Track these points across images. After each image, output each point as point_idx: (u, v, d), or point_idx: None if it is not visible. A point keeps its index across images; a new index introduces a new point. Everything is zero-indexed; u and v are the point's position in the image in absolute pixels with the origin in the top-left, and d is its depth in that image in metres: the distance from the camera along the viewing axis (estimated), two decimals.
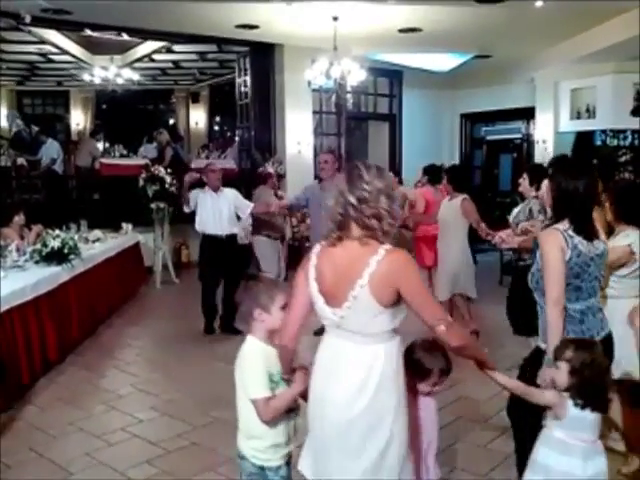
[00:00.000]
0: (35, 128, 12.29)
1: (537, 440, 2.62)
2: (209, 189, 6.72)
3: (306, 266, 2.44)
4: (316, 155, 11.60)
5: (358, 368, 2.33)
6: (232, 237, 6.74)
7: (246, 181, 10.18)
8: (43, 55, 14.07)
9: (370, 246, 2.30)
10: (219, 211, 6.65)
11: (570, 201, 2.90)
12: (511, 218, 5.36)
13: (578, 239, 2.86)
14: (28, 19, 8.64)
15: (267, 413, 2.50)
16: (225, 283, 6.71)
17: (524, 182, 5.29)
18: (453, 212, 6.37)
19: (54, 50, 13.28)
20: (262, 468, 2.59)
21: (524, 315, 4.44)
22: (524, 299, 4.24)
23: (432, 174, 8.23)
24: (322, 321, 2.44)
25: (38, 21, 9.32)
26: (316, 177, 9.80)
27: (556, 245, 2.83)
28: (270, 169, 8.50)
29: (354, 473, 2.35)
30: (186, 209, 6.88)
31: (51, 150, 11.44)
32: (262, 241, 7.62)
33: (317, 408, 2.43)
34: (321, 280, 2.38)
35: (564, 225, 2.89)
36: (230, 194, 6.82)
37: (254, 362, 2.54)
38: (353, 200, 2.35)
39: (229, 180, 7.99)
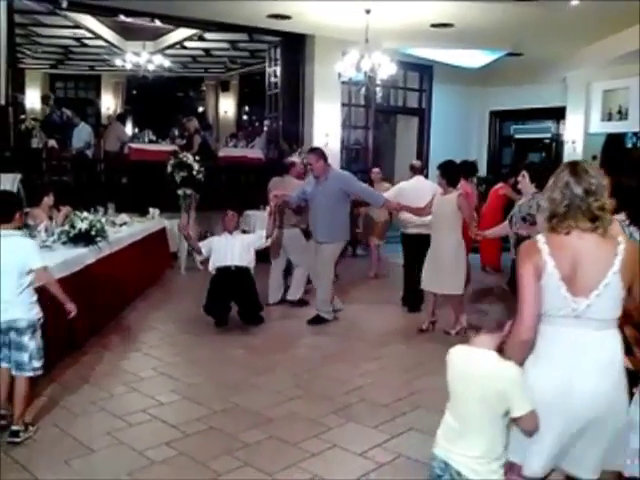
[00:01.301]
0: (67, 111, 12.43)
1: (632, 403, 2.63)
2: (224, 232, 6.92)
3: (534, 257, 2.45)
4: (343, 148, 11.64)
5: (605, 355, 2.41)
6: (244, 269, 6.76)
7: (272, 171, 10.22)
8: (77, 39, 14.28)
9: (610, 236, 2.47)
10: (231, 247, 6.75)
11: (626, 196, 3.38)
12: (515, 211, 5.64)
13: (634, 228, 3.41)
14: (65, 4, 8.77)
15: (536, 423, 2.37)
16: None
17: (524, 180, 5.57)
18: (447, 207, 6.38)
19: (88, 35, 13.48)
20: None
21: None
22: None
23: (466, 170, 8.25)
24: (550, 312, 2.43)
25: (74, 6, 9.46)
26: (342, 168, 9.84)
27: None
28: (296, 159, 8.50)
29: (599, 458, 2.46)
30: (200, 258, 7.22)
31: (83, 134, 11.58)
32: (294, 233, 7.53)
33: (559, 403, 2.39)
34: (561, 269, 2.42)
35: (620, 217, 3.36)
36: (244, 236, 7.05)
37: (519, 376, 2.34)
38: (580, 192, 2.46)
39: (255, 169, 8.10)
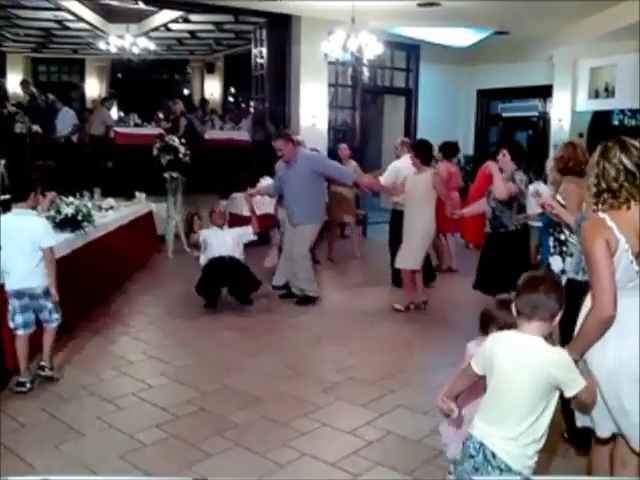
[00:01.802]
0: (51, 96, 12.28)
1: None
2: (213, 226, 6.93)
3: (606, 234, 2.55)
4: (330, 128, 11.58)
5: None
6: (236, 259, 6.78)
7: (259, 153, 10.17)
8: (59, 22, 14.07)
9: None
10: (223, 240, 6.78)
11: None
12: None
13: None
14: None
15: (594, 394, 2.49)
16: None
17: (504, 158, 5.73)
18: (421, 186, 6.42)
19: (70, 17, 13.27)
20: (523, 477, 2.35)
21: (496, 275, 5.55)
22: (497, 262, 5.65)
23: (448, 150, 8.26)
24: (620, 284, 2.53)
25: None
26: (329, 149, 9.81)
27: None
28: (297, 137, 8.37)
29: None
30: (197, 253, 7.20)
31: (67, 118, 11.45)
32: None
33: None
34: (632, 245, 2.55)
35: None
36: (233, 230, 7.00)
37: (568, 359, 2.36)
38: (631, 166, 2.60)
39: (242, 151, 8.05)
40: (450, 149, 8.57)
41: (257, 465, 3.52)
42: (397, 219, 7.22)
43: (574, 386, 2.31)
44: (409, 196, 6.58)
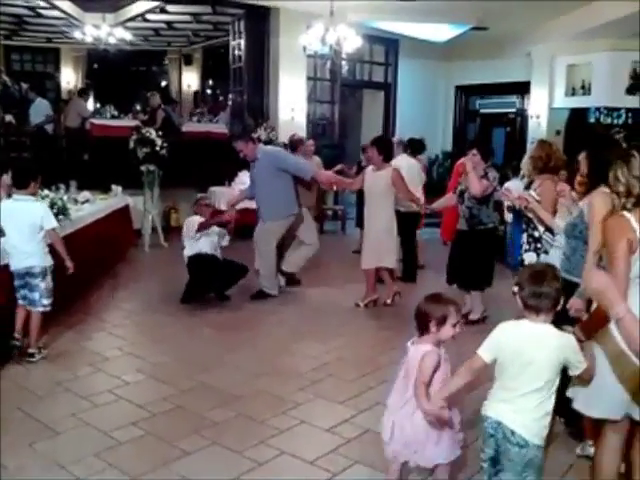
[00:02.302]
0: (24, 85, 12.07)
1: None
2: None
3: (629, 235, 2.68)
4: (309, 122, 11.55)
5: None
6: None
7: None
8: (31, 9, 13.76)
9: None
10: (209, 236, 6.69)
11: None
12: (463, 187, 6.07)
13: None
14: None
15: (592, 373, 2.73)
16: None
17: (475, 157, 5.89)
18: (381, 182, 6.43)
19: (43, 4, 12.99)
20: (539, 447, 2.61)
21: (466, 272, 5.88)
22: (467, 258, 5.95)
23: (413, 147, 8.30)
24: (634, 278, 2.70)
25: None
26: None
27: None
28: (262, 134, 8.37)
29: None
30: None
31: (41, 108, 11.27)
32: (302, 211, 7.29)
33: None
34: None
35: (604, 189, 3.37)
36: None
37: (576, 343, 2.62)
38: None
39: (220, 144, 7.98)
40: (416, 146, 8.58)
41: (235, 463, 3.49)
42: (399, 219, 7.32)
43: (580, 367, 2.61)
44: (368, 193, 6.59)
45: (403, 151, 8.03)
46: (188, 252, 6.67)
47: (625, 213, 2.76)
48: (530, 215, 4.92)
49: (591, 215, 3.50)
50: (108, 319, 6.12)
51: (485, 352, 2.64)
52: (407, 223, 7.47)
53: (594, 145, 3.90)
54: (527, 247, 5.05)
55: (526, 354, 2.57)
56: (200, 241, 6.61)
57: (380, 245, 6.48)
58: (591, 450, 3.46)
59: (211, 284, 6.66)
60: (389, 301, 6.75)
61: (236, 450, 3.62)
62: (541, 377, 2.55)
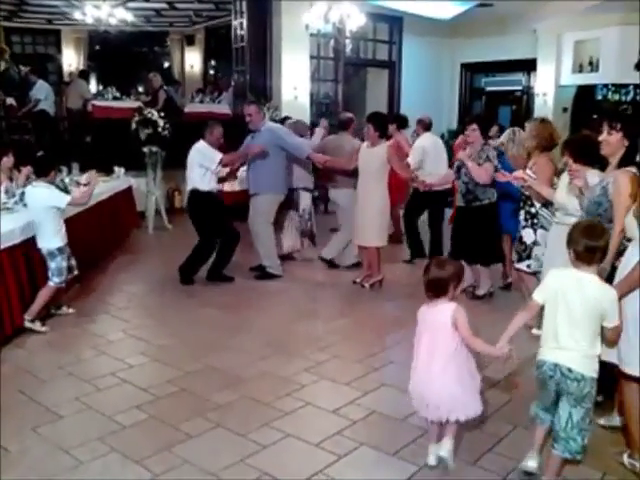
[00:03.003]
0: (24, 68, 11.96)
1: None
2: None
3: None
4: (312, 102, 11.42)
5: None
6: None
7: (240, 127, 9.98)
8: None
9: None
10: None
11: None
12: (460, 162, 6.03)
13: None
14: None
15: (619, 334, 3.04)
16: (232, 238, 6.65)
17: (474, 132, 5.91)
18: (375, 159, 6.33)
19: None
20: (593, 379, 2.94)
21: (469, 247, 5.91)
22: (467, 234, 5.95)
23: (399, 122, 8.26)
24: None
25: None
26: (311, 123, 9.65)
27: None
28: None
29: None
30: None
31: (41, 91, 11.17)
32: (347, 193, 7.00)
33: None
34: None
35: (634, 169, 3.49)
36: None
37: (616, 296, 2.92)
38: None
39: (223, 125, 7.86)
40: (401, 121, 8.45)
41: (239, 446, 3.46)
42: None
43: (613, 320, 2.90)
44: (363, 170, 6.44)
45: (424, 130, 7.89)
46: (202, 185, 6.47)
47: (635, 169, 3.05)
48: (527, 193, 5.08)
49: (616, 194, 3.46)
50: (111, 301, 6.08)
51: (538, 295, 3.03)
52: (435, 202, 7.41)
53: (628, 122, 3.65)
54: (525, 223, 5.26)
55: (571, 299, 2.90)
56: (213, 177, 6.54)
57: (372, 223, 6.37)
58: (617, 420, 3.54)
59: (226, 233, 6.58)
60: (367, 285, 6.54)
61: (240, 433, 3.59)
62: (585, 321, 2.88)
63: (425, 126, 7.90)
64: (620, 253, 3.31)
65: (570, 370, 2.88)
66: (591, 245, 2.89)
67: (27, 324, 5.06)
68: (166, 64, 18.99)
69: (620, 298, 2.95)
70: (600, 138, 3.69)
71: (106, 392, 4.13)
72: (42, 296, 5.18)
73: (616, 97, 11.93)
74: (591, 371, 2.90)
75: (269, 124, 7.11)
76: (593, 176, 3.88)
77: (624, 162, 3.53)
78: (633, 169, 3.44)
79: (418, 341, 3.18)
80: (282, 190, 6.94)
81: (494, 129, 7.63)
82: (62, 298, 5.63)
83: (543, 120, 5.48)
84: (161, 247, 8.61)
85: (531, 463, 3.11)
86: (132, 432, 3.62)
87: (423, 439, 3.47)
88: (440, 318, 3.08)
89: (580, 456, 3.00)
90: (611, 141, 3.62)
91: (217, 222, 6.55)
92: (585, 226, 3.03)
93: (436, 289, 3.11)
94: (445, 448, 3.19)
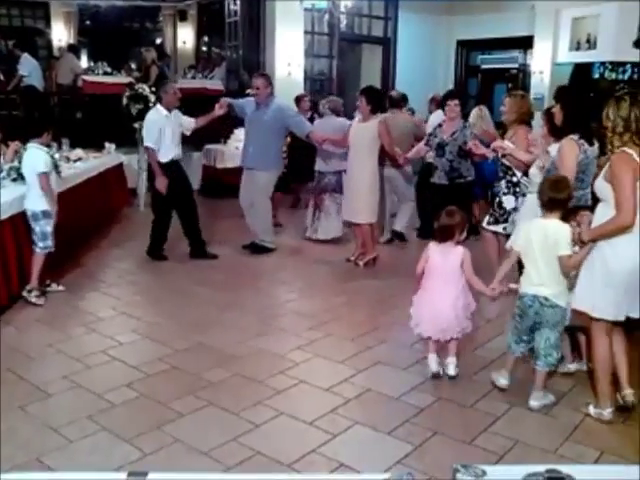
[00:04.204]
0: (9, 42, 11.70)
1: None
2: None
3: (633, 165, 3.19)
4: (306, 78, 11.26)
5: None
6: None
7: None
8: None
9: None
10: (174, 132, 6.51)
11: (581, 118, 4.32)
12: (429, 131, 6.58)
13: (586, 146, 4.33)
14: None
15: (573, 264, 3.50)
16: (187, 210, 6.57)
17: (457, 108, 6.28)
18: (367, 134, 6.27)
19: None
20: (563, 308, 3.56)
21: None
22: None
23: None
24: None
25: None
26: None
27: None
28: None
29: None
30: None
31: (25, 66, 10.93)
32: (396, 172, 7.16)
33: None
34: None
35: (575, 136, 4.28)
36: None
37: (569, 232, 3.46)
38: None
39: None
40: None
41: (232, 425, 3.40)
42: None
43: (563, 250, 3.42)
44: (353, 144, 6.38)
45: (437, 107, 7.86)
46: (161, 157, 6.38)
47: (627, 149, 3.23)
48: (507, 163, 5.45)
49: (560, 159, 4.23)
50: (101, 278, 5.99)
51: (516, 245, 3.68)
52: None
53: (567, 99, 4.55)
54: (506, 191, 5.55)
55: (537, 241, 3.52)
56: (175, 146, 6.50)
57: (362, 199, 6.30)
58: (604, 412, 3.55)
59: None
60: (361, 263, 6.48)
61: (233, 411, 3.53)
62: (551, 260, 3.46)
63: (437, 104, 7.95)
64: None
65: (546, 299, 3.50)
66: (553, 197, 3.51)
67: (24, 293, 5.10)
68: (158, 40, 18.71)
69: (588, 241, 3.36)
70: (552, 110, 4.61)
71: (96, 370, 4.06)
72: (34, 265, 5.17)
73: (613, 75, 11.79)
74: (562, 301, 3.51)
75: (280, 102, 7.01)
76: (553, 149, 4.57)
77: (565, 130, 4.32)
78: (575, 137, 4.25)
79: (429, 275, 3.85)
80: (281, 167, 7.10)
81: None
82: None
83: (523, 96, 5.91)
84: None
85: (502, 380, 3.77)
86: (122, 410, 3.56)
87: (418, 417, 3.43)
88: (453, 259, 3.81)
89: (555, 367, 3.72)
90: (556, 113, 4.48)
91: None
92: (552, 181, 3.67)
93: (445, 234, 3.83)
94: (452, 363, 3.92)
